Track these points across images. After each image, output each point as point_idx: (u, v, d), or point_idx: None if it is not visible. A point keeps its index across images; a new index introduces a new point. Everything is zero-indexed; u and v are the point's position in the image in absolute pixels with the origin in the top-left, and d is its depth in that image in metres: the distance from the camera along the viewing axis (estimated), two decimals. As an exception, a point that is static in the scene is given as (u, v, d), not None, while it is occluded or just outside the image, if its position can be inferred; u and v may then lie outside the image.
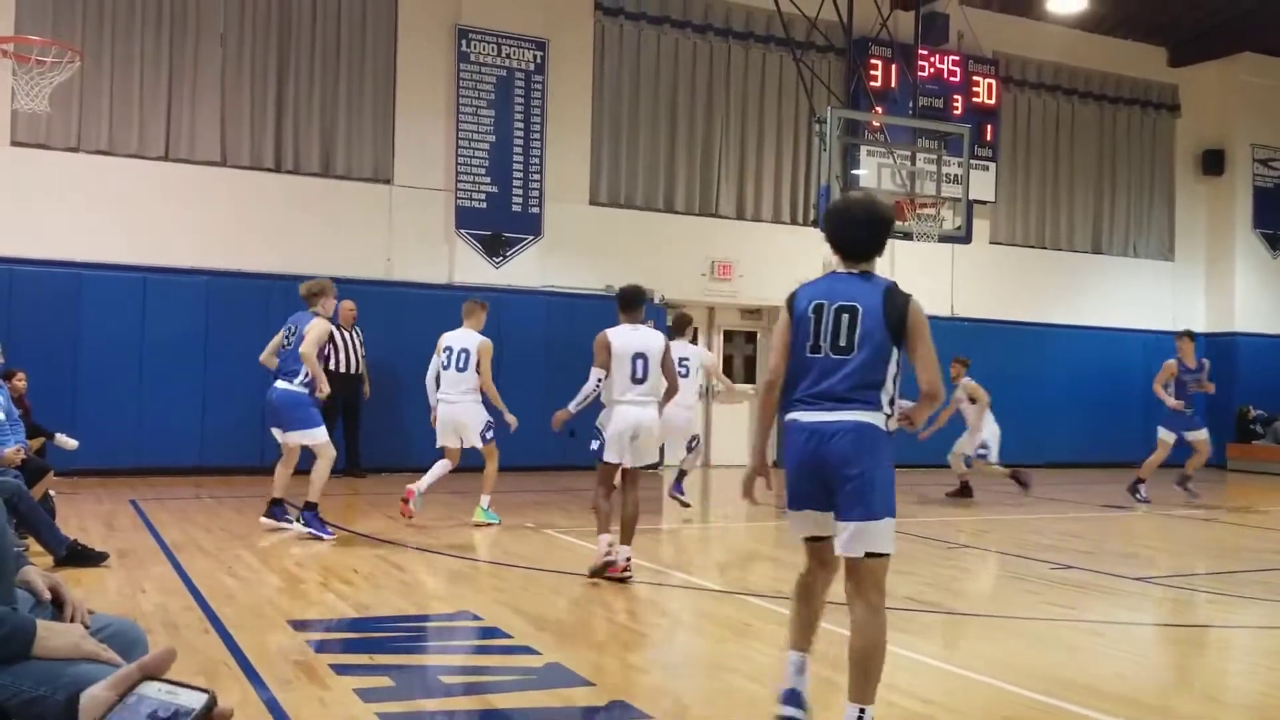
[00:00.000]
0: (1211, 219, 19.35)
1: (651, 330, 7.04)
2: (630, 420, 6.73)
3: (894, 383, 3.77)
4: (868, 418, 3.72)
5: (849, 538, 3.70)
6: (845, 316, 3.75)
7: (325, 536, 8.02)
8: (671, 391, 7.10)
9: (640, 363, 6.75)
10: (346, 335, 12.47)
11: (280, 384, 8.32)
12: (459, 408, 8.90)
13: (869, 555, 3.70)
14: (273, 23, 13.25)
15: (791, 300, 3.90)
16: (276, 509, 8.53)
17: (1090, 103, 18.43)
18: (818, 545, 3.90)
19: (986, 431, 12.06)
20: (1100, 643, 5.68)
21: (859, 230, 3.90)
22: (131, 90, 12.57)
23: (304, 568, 7.10)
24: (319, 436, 8.34)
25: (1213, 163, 19.08)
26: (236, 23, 13.06)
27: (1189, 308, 19.10)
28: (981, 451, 12.05)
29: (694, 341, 11.41)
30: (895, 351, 3.76)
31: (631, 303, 6.92)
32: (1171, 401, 12.11)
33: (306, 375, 8.22)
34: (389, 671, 4.70)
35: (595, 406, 6.98)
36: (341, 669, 4.67)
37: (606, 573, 6.68)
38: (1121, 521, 11.12)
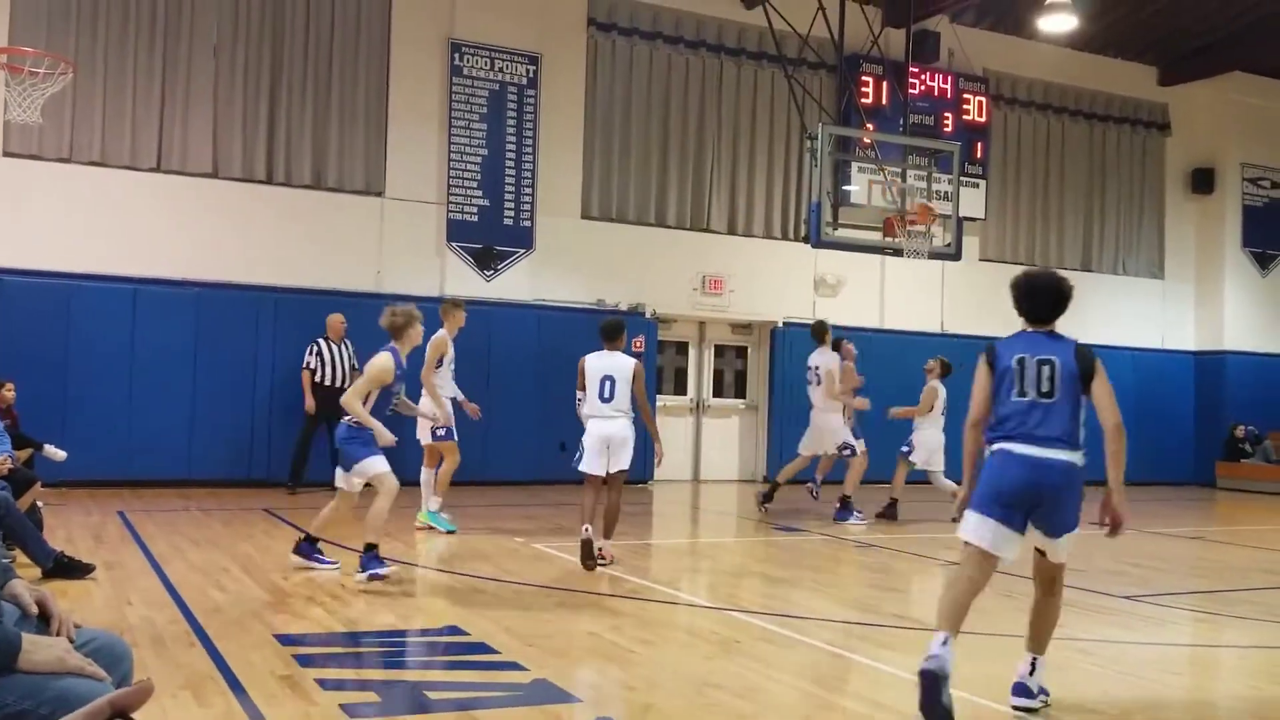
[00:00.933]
0: (1201, 237, 19.46)
1: (624, 355, 8.07)
2: (600, 432, 7.91)
3: (1083, 426, 4.59)
4: (1072, 457, 4.56)
5: (1058, 549, 4.66)
6: (1045, 368, 4.62)
7: (382, 572, 6.94)
8: (641, 409, 8.03)
9: (608, 383, 7.90)
10: (334, 348, 12.35)
11: (344, 419, 7.33)
12: (422, 403, 9.34)
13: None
14: (266, 35, 13.27)
15: (992, 354, 4.76)
16: (307, 545, 7.50)
17: (1080, 121, 18.54)
18: (982, 557, 4.62)
19: (923, 437, 11.78)
20: (1088, 661, 5.69)
21: (1045, 304, 4.79)
22: (124, 101, 12.57)
23: (291, 581, 7.08)
24: (375, 467, 7.14)
25: (1202, 181, 19.19)
26: (229, 35, 13.08)
27: (1178, 326, 19.19)
28: (905, 449, 11.87)
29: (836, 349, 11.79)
30: (1084, 399, 4.60)
31: (609, 333, 8.07)
32: None
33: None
34: (375, 687, 4.69)
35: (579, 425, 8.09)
36: (327, 684, 4.66)
37: (591, 558, 7.71)
38: (1109, 539, 11.13)
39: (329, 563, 7.45)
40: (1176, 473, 18.47)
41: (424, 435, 9.50)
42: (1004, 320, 17.28)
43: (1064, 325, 16.33)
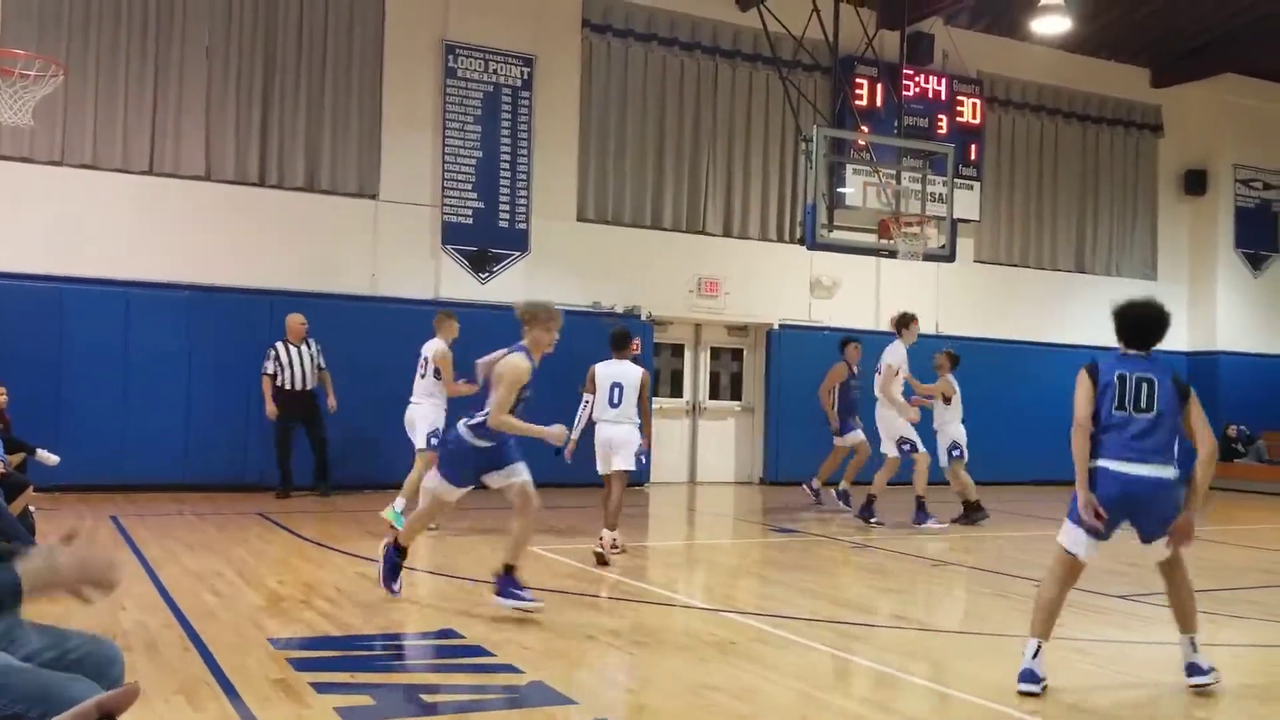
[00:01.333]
0: (1193, 238, 19.48)
1: (632, 365, 8.66)
2: (605, 435, 8.54)
3: (1178, 442, 5.01)
4: (1164, 472, 4.94)
5: (1161, 547, 5.01)
6: (1145, 386, 5.02)
7: (521, 605, 6.15)
8: (643, 413, 8.59)
9: (617, 390, 8.51)
10: (293, 350, 12.09)
11: (460, 421, 6.68)
12: (414, 409, 9.78)
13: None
14: (259, 37, 13.24)
15: (1094, 370, 5.16)
16: (507, 581, 6.31)
17: (1074, 123, 18.55)
18: (1075, 563, 5.09)
19: (955, 431, 11.61)
20: (1086, 661, 5.68)
21: (1148, 332, 5.25)
22: (116, 104, 12.53)
23: (286, 585, 7.05)
24: (434, 482, 6.64)
25: (1195, 183, 19.22)
26: (222, 37, 13.04)
27: (1171, 327, 19.10)
28: (955, 453, 11.57)
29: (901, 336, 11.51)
30: (1179, 418, 5.00)
31: (617, 343, 8.72)
32: None
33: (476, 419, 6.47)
34: (370, 690, 4.66)
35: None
36: (322, 687, 4.63)
37: (603, 552, 8.24)
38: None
39: (530, 599, 6.25)
40: (1171, 473, 18.46)
41: (420, 441, 9.67)
42: (998, 320, 17.36)
43: (1057, 326, 16.38)
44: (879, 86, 16.05)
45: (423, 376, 9.79)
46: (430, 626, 6.09)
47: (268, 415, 11.94)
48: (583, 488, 13.44)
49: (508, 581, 6.22)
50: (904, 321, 11.54)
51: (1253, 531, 12.51)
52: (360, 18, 13.73)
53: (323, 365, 12.26)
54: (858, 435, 12.21)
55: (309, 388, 12.16)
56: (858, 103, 15.71)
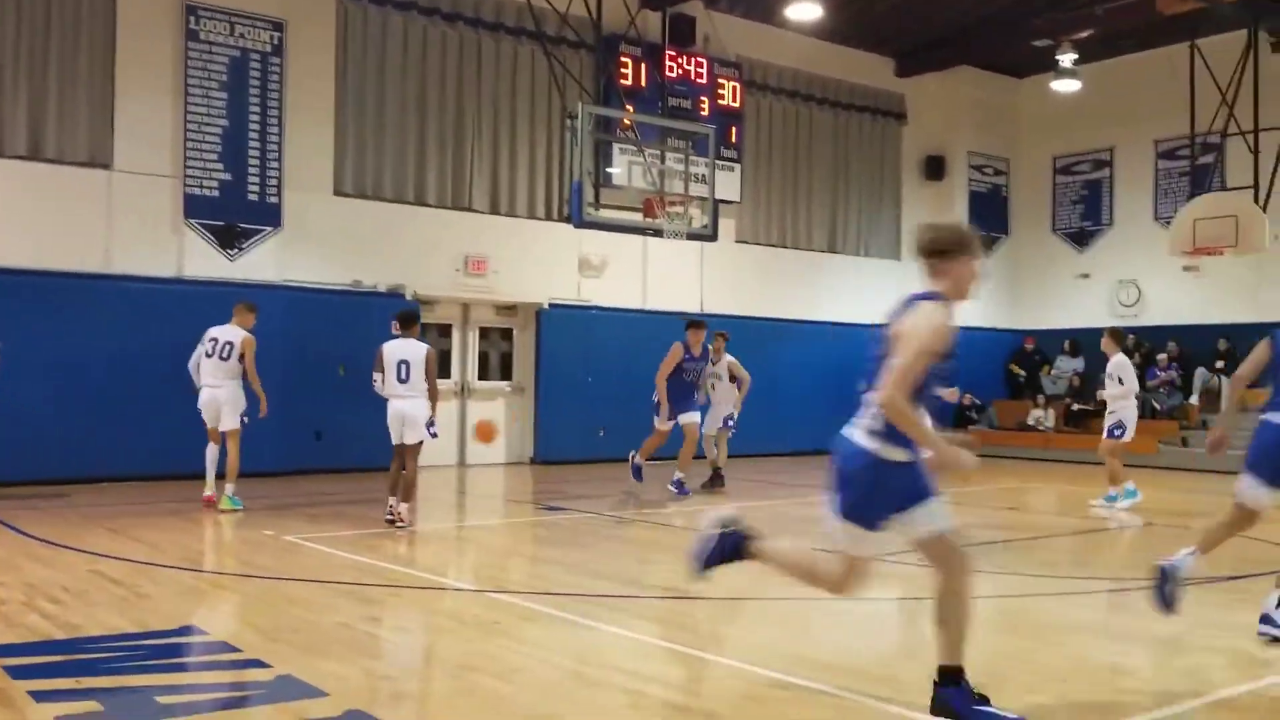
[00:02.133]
0: (934, 221, 20.81)
1: (418, 343, 9.20)
2: (396, 409, 9.10)
3: None
4: None
5: None
6: None
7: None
8: (430, 390, 9.10)
9: (404, 367, 9.03)
10: None
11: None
12: (216, 392, 9.94)
13: None
14: (-31, -13, 11.94)
15: (1274, 341, 5.60)
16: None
17: (826, 108, 19.39)
18: (1249, 512, 5.49)
19: (735, 405, 12.47)
20: (831, 620, 5.93)
21: None
22: None
23: (6, 587, 6.40)
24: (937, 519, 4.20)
25: (934, 168, 20.54)
26: (-76, -15, 11.69)
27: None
28: (730, 423, 12.45)
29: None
30: None
31: (405, 321, 9.24)
32: None
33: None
34: (98, 695, 4.28)
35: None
36: (42, 695, 4.23)
37: (392, 521, 8.95)
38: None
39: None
40: (915, 441, 19.72)
41: (232, 422, 9.96)
42: (757, 298, 17.94)
43: (811, 303, 16.99)
44: (643, 66, 16.22)
45: (224, 359, 9.87)
46: (171, 624, 5.67)
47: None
48: (343, 473, 13.02)
49: (957, 694, 4.11)
50: None
51: (982, 492, 13.50)
52: (89, -30, 12.60)
53: None
54: (691, 417, 11.84)
55: None
56: (623, 82, 15.83)
